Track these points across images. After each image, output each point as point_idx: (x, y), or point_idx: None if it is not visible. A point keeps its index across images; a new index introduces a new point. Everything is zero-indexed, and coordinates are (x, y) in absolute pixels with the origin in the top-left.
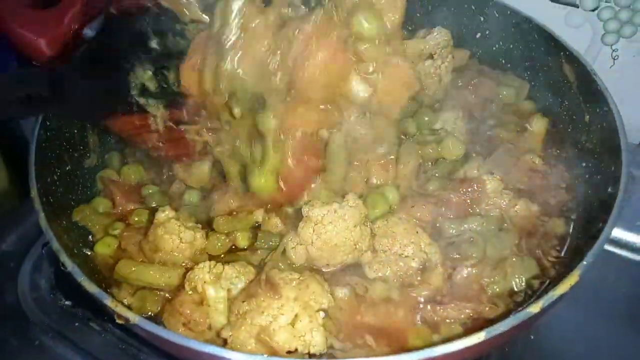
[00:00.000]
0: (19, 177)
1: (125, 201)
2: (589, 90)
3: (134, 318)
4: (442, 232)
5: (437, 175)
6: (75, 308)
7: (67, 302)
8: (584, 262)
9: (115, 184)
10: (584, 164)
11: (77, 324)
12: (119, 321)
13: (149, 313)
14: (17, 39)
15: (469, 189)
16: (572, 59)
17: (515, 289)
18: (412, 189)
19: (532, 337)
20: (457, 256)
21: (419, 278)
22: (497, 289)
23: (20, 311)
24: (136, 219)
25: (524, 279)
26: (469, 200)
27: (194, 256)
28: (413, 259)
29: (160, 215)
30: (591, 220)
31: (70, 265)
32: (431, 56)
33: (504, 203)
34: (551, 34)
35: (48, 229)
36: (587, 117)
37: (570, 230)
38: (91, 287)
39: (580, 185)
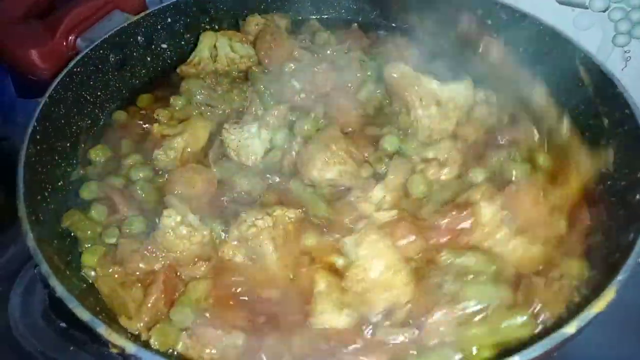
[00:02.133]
0: (13, 192)
1: (127, 209)
2: (607, 93)
3: (129, 348)
4: (435, 262)
5: (437, 199)
6: (71, 331)
7: (62, 324)
8: (619, 278)
9: (117, 192)
10: (604, 170)
11: (72, 348)
12: (113, 351)
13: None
14: (9, 53)
15: (461, 214)
16: (589, 61)
17: None
18: (403, 209)
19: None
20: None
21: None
22: None
23: (11, 338)
24: (132, 226)
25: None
26: (459, 227)
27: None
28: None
29: (167, 221)
30: (619, 232)
31: (60, 290)
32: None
33: (499, 236)
34: (565, 36)
35: (37, 251)
36: (606, 121)
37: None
38: (83, 314)
39: (601, 195)
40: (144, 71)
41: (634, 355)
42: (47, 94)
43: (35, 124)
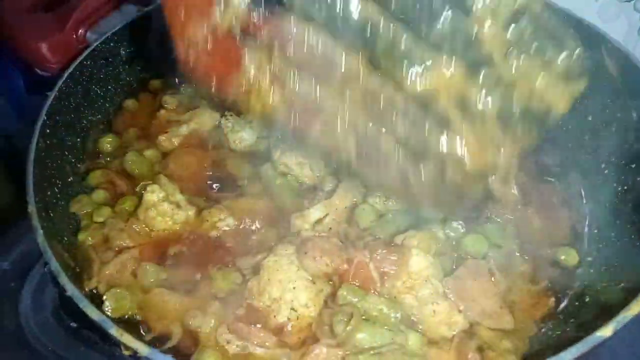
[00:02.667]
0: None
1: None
2: (636, 85)
3: (142, 350)
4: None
5: (378, 235)
6: (82, 330)
7: (72, 324)
8: None
9: (119, 176)
10: (633, 165)
11: (82, 348)
12: (125, 353)
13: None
14: (18, 45)
15: (390, 257)
16: (615, 51)
17: None
18: (338, 232)
19: None
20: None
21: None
22: None
23: (21, 337)
24: (123, 205)
25: None
26: (383, 269)
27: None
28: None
29: (150, 197)
30: None
31: (70, 288)
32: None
33: (422, 293)
34: (589, 25)
35: (47, 248)
36: (635, 114)
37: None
38: (94, 314)
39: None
40: (155, 64)
41: None
42: (56, 88)
43: (45, 117)
